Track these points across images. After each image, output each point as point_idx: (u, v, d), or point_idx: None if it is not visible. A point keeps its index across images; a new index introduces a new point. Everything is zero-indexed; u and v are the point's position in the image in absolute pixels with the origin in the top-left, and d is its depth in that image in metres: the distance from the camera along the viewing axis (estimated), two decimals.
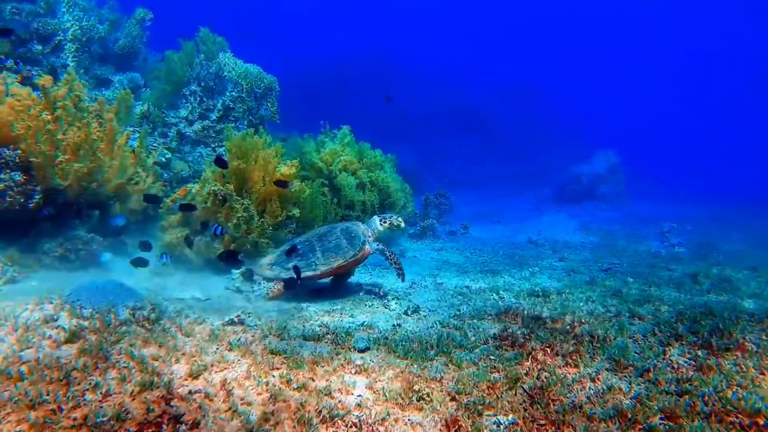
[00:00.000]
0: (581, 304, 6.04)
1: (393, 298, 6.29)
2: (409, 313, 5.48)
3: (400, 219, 7.46)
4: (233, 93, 11.65)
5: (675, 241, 12.38)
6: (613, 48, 53.06)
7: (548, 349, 4.30)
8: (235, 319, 4.42)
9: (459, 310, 5.78)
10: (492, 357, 4.17)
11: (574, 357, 4.14)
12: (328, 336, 4.44)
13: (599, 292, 6.70)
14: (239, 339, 4.05)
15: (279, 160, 8.76)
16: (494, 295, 6.60)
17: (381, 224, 7.10)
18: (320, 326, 4.74)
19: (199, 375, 3.28)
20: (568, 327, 4.94)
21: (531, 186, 29.16)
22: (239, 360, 3.69)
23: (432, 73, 40.37)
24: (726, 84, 49.90)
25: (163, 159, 9.59)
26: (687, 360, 4.01)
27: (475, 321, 5.24)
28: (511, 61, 46.22)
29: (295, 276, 5.69)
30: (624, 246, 11.47)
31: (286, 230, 9.08)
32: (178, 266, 7.01)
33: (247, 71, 11.69)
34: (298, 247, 6.41)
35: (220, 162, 6.55)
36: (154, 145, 9.74)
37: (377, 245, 6.75)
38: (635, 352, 4.29)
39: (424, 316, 5.45)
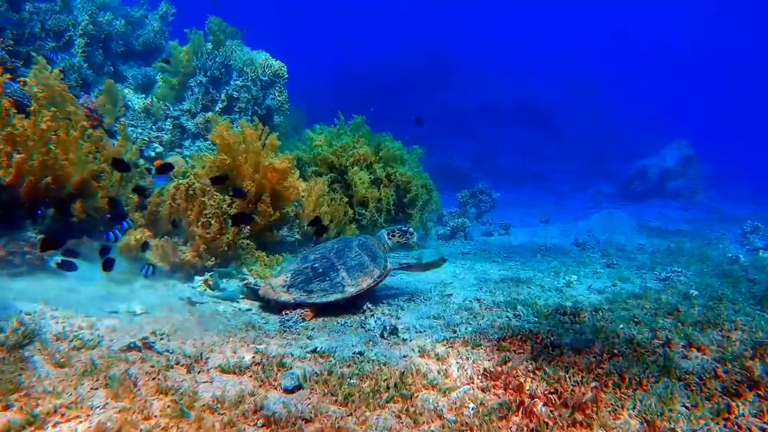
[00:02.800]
0: (621, 325, 4.74)
1: (375, 314, 5.26)
2: (385, 335, 4.43)
3: (409, 229, 6.56)
4: (237, 82, 11.06)
5: (760, 245, 10.47)
6: (687, 29, 49.04)
7: (554, 396, 3.14)
8: (138, 343, 3.57)
9: (455, 332, 4.67)
10: (469, 406, 3.06)
11: (589, 410, 2.96)
12: (256, 367, 3.49)
13: (649, 309, 5.34)
14: (129, 371, 3.19)
15: (272, 153, 7.99)
16: (509, 311, 5.41)
17: (390, 238, 6.49)
18: (255, 353, 3.80)
19: (21, 430, 2.43)
20: (594, 360, 3.71)
21: (592, 182, 27.21)
22: (107, 404, 2.82)
23: (490, 67, 38.94)
24: None
25: (153, 153, 9.08)
26: (765, 424, 2.72)
27: (468, 348, 4.12)
28: (574, 49, 43.84)
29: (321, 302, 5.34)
30: (692, 250, 9.74)
31: (279, 232, 8.31)
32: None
33: (252, 58, 11.07)
34: (316, 265, 5.68)
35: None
36: (144, 138, 9.25)
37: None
38: (683, 405, 3.03)
39: (403, 340, 4.38)
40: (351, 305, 5.58)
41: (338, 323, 4.97)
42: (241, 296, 5.78)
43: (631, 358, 3.76)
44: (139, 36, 13.45)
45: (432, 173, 11.85)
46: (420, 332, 4.67)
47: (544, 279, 7.37)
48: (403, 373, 3.41)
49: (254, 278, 6.09)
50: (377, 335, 4.51)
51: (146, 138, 9.30)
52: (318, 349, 3.97)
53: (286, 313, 5.17)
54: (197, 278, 5.92)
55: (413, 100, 31.93)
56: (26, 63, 10.52)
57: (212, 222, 6.37)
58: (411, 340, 4.37)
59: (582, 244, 10.69)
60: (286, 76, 11.22)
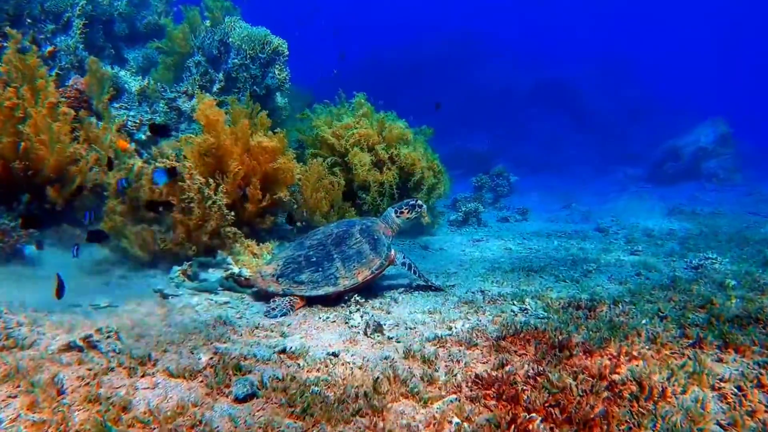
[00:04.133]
0: (644, 321, 4.19)
1: (362, 308, 4.81)
2: (369, 332, 3.98)
3: (418, 202, 6.01)
4: (235, 60, 10.63)
5: None
6: (720, 2, 46.48)
7: (555, 409, 2.65)
8: (79, 342, 3.20)
9: (450, 329, 4.19)
10: (452, 421, 2.59)
11: (597, 428, 2.46)
12: (209, 370, 3.08)
13: (678, 302, 4.76)
14: (58, 375, 2.81)
15: (261, 132, 7.57)
16: (516, 304, 4.90)
17: (397, 216, 5.93)
18: (214, 353, 3.39)
19: None
20: (608, 364, 3.20)
21: (621, 166, 26.12)
22: (19, 416, 2.45)
23: (511, 49, 37.57)
24: None
25: (143, 136, 8.75)
26: None
27: (461, 348, 3.65)
28: (601, 27, 42.09)
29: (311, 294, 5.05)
30: (729, 234, 8.98)
31: (275, 218, 7.91)
32: (123, 262, 6.02)
33: (250, 34, 10.60)
34: (310, 252, 5.34)
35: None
36: (135, 120, 8.92)
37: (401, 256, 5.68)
38: (717, 424, 2.51)
39: (388, 338, 3.93)
40: (341, 298, 5.18)
41: (320, 318, 4.54)
42: (220, 288, 5.40)
43: (653, 362, 3.23)
44: (144, 18, 13.19)
45: (449, 159, 11.30)
46: (411, 329, 4.21)
47: (559, 268, 6.80)
48: (378, 379, 2.95)
49: (239, 268, 5.71)
50: (360, 332, 4.07)
51: (137, 121, 8.96)
52: (288, 349, 3.54)
53: (273, 301, 4.89)
54: (175, 268, 5.55)
55: (429, 88, 31.06)
56: None
57: (194, 208, 5.99)
58: (398, 339, 3.91)
59: (605, 230, 10.04)
60: (287, 53, 10.73)
